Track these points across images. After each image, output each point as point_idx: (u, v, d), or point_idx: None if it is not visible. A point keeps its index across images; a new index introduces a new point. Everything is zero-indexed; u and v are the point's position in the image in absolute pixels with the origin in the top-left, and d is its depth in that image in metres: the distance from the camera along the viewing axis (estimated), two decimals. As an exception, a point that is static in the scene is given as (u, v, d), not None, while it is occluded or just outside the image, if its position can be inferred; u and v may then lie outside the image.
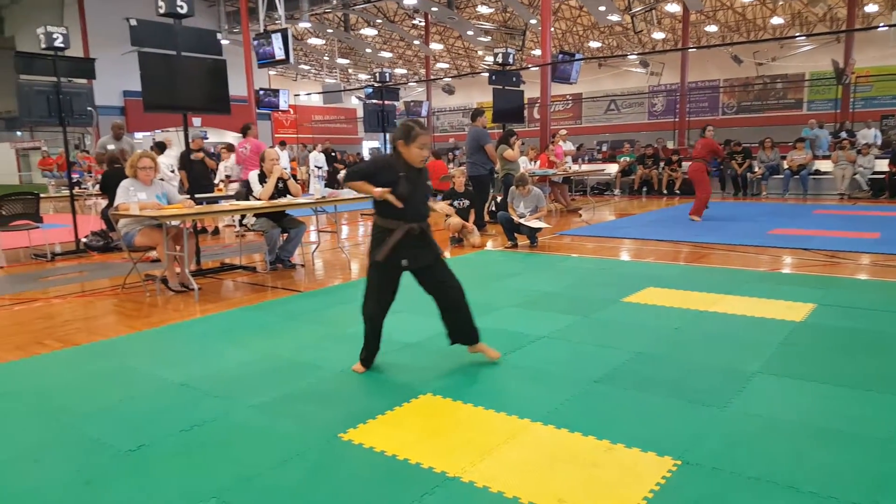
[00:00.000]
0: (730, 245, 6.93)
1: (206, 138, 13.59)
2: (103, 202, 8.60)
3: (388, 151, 3.15)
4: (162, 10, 5.58)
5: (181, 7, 5.61)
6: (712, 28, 25.49)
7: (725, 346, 3.48)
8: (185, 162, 9.71)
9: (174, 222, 5.23)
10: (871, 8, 21.50)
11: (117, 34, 6.93)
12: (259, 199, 5.86)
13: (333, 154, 17.43)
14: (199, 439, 2.49)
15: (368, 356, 3.24)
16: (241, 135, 9.74)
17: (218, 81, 6.03)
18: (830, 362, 3.19)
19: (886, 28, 15.61)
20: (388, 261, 3.04)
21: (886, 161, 12.03)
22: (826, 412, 2.61)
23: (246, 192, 6.21)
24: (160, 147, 9.34)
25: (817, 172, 12.89)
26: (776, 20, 23.68)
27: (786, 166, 12.95)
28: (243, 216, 6.28)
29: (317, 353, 3.52)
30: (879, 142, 14.70)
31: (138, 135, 19.28)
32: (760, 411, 2.62)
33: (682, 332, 3.76)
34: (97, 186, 9.23)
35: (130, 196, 5.13)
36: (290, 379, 3.12)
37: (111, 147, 8.76)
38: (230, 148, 10.59)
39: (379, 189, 2.98)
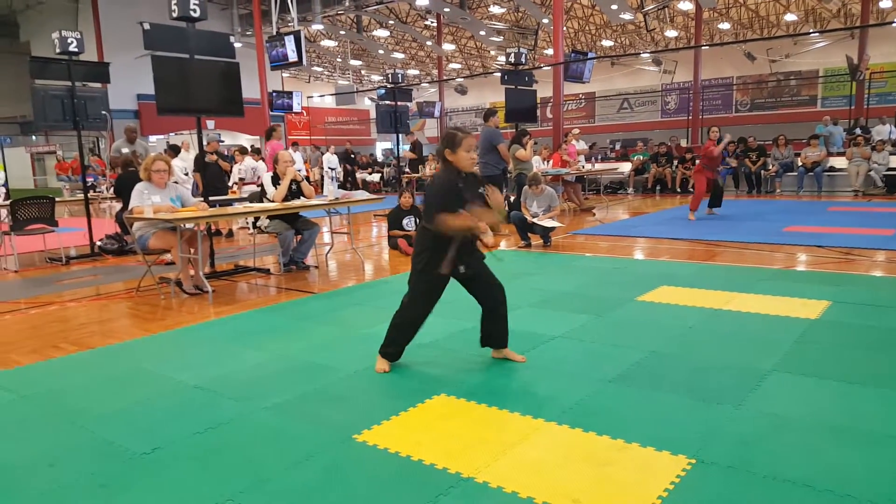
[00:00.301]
0: (744, 243, 6.87)
1: (222, 141, 13.69)
2: (118, 205, 8.70)
3: (437, 169, 3.12)
4: (175, 14, 5.63)
5: (194, 11, 5.66)
6: (725, 25, 25.29)
7: (739, 345, 3.46)
8: (199, 164, 9.84)
9: (188, 225, 5.28)
10: (885, 3, 21.23)
11: (131, 38, 7.00)
12: (272, 201, 5.90)
13: (353, 156, 17.34)
14: (213, 442, 2.51)
15: (398, 352, 3.26)
16: (265, 138, 9.88)
17: (231, 84, 6.07)
18: (845, 360, 3.17)
19: (902, 23, 15.42)
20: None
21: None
22: (841, 410, 2.59)
23: (260, 194, 6.25)
24: (174, 150, 9.43)
25: (832, 169, 12.76)
26: (790, 17, 23.46)
27: (800, 163, 12.83)
28: (257, 218, 6.31)
29: (331, 355, 3.54)
30: (895, 138, 14.51)
31: (152, 138, 19.48)
32: (775, 409, 2.60)
33: (696, 331, 3.74)
34: (111, 190, 9.34)
35: (144, 199, 5.18)
36: (304, 380, 3.14)
37: (125, 150, 8.87)
38: (243, 150, 10.67)
39: (474, 220, 2.99)
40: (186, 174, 9.71)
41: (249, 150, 10.50)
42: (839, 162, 12.76)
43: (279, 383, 3.11)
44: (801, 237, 7.05)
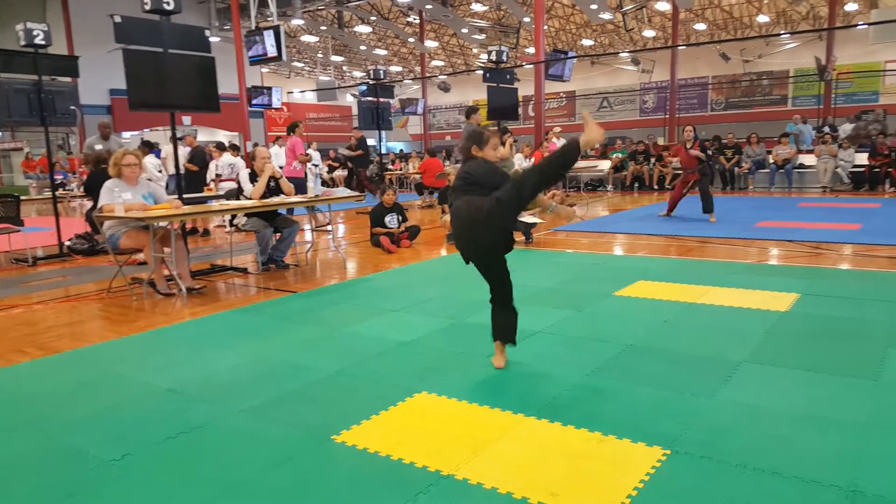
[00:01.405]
0: (718, 238, 6.99)
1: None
2: (89, 204, 8.52)
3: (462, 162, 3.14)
4: (148, 7, 5.52)
5: (168, 4, 5.56)
6: (701, 26, 25.62)
7: (713, 337, 3.52)
8: (198, 158, 9.74)
9: (161, 223, 5.17)
10: (851, 6, 21.70)
11: (103, 31, 6.84)
12: (250, 199, 5.83)
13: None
14: (187, 446, 2.46)
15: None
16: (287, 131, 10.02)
17: (207, 79, 5.97)
18: (814, 350, 3.25)
19: (865, 26, 15.76)
20: None
21: (866, 155, 12.21)
22: (809, 399, 2.65)
23: (237, 191, 6.17)
24: (148, 146, 9.28)
25: (801, 166, 13.06)
26: (762, 18, 23.85)
27: (771, 161, 13.09)
28: (234, 216, 6.23)
29: (310, 355, 3.51)
30: (852, 134, 14.88)
31: (126, 134, 19.13)
32: (747, 400, 2.66)
33: (671, 325, 3.79)
34: (82, 188, 9.16)
35: (115, 197, 5.03)
36: (282, 381, 3.10)
37: (99, 147, 8.70)
38: (221, 146, 10.56)
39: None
40: (160, 171, 9.57)
41: (227, 145, 10.36)
42: (808, 159, 13.05)
43: (256, 385, 3.07)
44: (773, 232, 7.20)
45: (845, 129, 15.08)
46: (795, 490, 1.98)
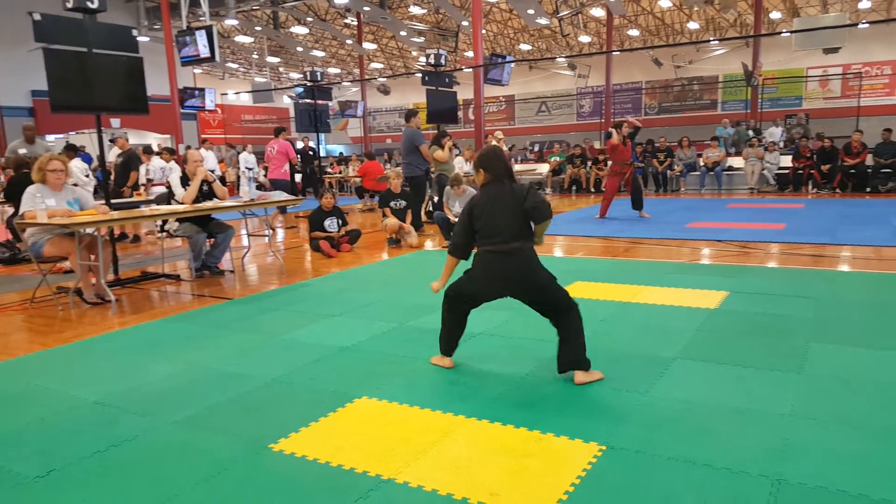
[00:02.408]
0: (653, 239, 7.23)
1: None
2: (10, 210, 8.05)
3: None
4: (70, 5, 5.28)
5: (92, 2, 5.33)
6: (634, 32, 26.48)
7: (647, 335, 3.63)
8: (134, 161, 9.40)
9: (88, 230, 4.95)
10: (775, 15, 22.94)
11: (23, 30, 6.48)
12: (182, 203, 5.65)
13: (312, 153, 15.47)
14: (116, 460, 2.36)
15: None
16: (273, 135, 10.21)
17: (134, 80, 5.75)
18: (741, 345, 3.39)
19: (789, 34, 16.69)
20: None
21: (790, 157, 12.91)
22: (737, 392, 2.77)
23: (168, 195, 5.97)
24: (72, 150, 8.85)
25: (730, 169, 13.66)
26: (692, 25, 24.85)
27: (702, 163, 13.66)
28: (165, 221, 6.02)
29: (247, 363, 3.42)
30: (784, 139, 15.73)
31: (49, 137, 18.17)
32: (679, 395, 2.76)
33: (607, 323, 3.89)
34: (2, 194, 8.65)
35: (37, 203, 4.81)
36: (216, 391, 3.01)
37: (23, 151, 8.24)
38: (149, 150, 10.20)
39: None
40: (87, 175, 9.16)
41: (159, 149, 10.03)
42: (737, 162, 13.68)
43: (189, 395, 2.97)
44: (703, 232, 7.51)
45: (771, 132, 15.88)
46: (725, 481, 2.06)
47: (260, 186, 13.05)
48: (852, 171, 11.86)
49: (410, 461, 2.26)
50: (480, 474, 2.15)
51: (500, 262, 2.95)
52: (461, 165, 10.74)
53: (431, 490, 2.06)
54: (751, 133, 15.49)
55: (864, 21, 19.54)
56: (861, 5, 20.92)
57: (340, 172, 16.83)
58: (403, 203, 7.83)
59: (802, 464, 2.15)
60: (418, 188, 8.87)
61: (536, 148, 21.41)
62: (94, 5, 5.35)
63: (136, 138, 21.64)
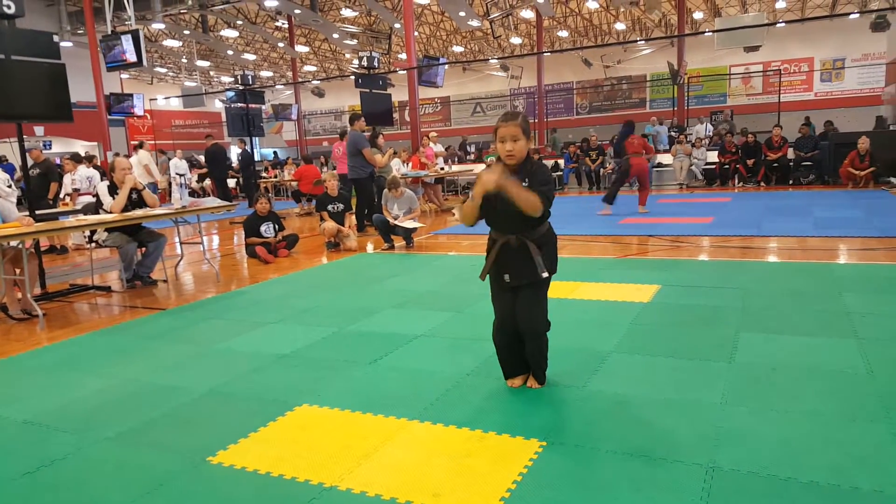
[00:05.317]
0: (587, 236, 7.43)
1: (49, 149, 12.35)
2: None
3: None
4: (-15, 11, 5.00)
5: (8, 7, 5.07)
6: (564, 33, 27.11)
7: (584, 330, 3.74)
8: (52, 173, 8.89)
9: (12, 243, 4.70)
10: (698, 15, 23.98)
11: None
12: (110, 213, 5.43)
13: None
14: (47, 481, 2.27)
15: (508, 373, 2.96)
16: (338, 137, 10.32)
17: (57, 87, 5.50)
18: (673, 337, 3.54)
19: (711, 33, 17.47)
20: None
21: (716, 153, 13.52)
22: (670, 383, 2.88)
23: (95, 204, 5.73)
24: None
25: (660, 165, 14.17)
26: (619, 26, 25.64)
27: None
28: (93, 232, 5.77)
29: (182, 375, 3.33)
30: (711, 135, 16.47)
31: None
32: (615, 388, 2.85)
33: (546, 321, 3.98)
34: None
35: (-47, 216, 4.55)
36: (151, 405, 2.92)
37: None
38: (76, 158, 9.71)
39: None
40: (10, 186, 8.67)
41: (84, 156, 9.57)
42: (666, 158, 14.21)
43: (123, 410, 2.87)
44: (636, 228, 7.78)
45: (698, 129, 16.58)
46: (662, 471, 2.13)
47: (192, 193, 12.64)
48: (775, 164, 12.47)
49: (353, 467, 2.26)
50: (423, 476, 2.17)
51: None
52: (398, 167, 10.74)
53: (375, 495, 2.07)
54: (658, 130, 16.10)
55: (781, 20, 20.68)
56: (778, 5, 22.15)
57: (276, 176, 16.50)
58: (341, 206, 7.77)
59: (735, 451, 2.24)
60: (364, 190, 8.89)
61: (473, 148, 21.60)
62: (12, 10, 5.10)
63: (62, 146, 20.60)
